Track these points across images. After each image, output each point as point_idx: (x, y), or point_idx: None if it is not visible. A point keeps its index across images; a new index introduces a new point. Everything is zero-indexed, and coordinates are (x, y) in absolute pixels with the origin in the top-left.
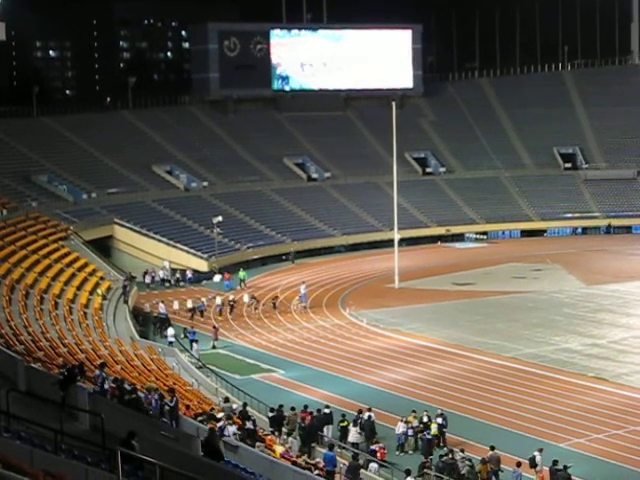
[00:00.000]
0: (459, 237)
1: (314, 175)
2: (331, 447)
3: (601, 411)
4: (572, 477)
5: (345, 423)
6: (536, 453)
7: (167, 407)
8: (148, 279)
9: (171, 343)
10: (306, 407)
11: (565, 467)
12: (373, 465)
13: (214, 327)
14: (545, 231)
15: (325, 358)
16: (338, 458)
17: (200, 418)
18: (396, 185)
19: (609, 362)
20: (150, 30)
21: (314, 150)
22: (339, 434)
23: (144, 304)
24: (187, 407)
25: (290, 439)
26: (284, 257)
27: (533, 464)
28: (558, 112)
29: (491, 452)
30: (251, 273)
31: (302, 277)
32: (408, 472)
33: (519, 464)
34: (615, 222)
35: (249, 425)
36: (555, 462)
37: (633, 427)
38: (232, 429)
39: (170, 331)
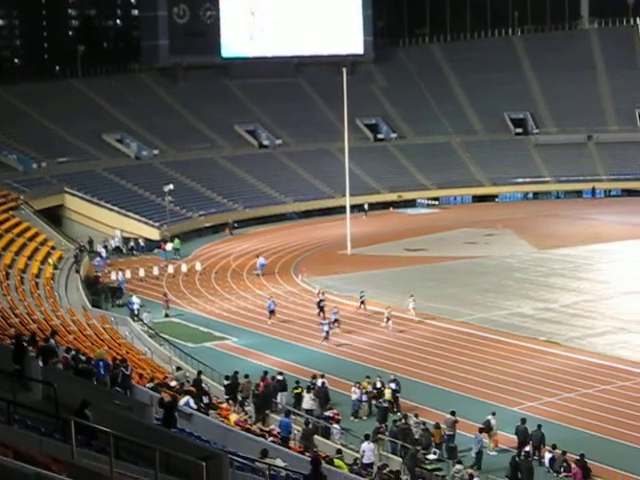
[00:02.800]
0: (411, 203)
1: (265, 142)
2: (287, 414)
3: (554, 375)
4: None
5: (299, 390)
6: (490, 417)
7: (121, 375)
8: (100, 248)
9: (137, 310)
10: (265, 373)
11: (539, 426)
12: (335, 427)
13: (164, 295)
14: (496, 196)
15: (278, 325)
16: (293, 425)
17: (151, 384)
18: (347, 151)
19: (561, 326)
20: None
21: (265, 117)
22: (293, 401)
23: (96, 273)
24: (140, 376)
25: (248, 407)
26: (235, 225)
27: (489, 428)
28: (508, 77)
29: (448, 416)
30: (203, 241)
31: (254, 244)
32: (367, 437)
33: (481, 430)
34: (566, 187)
35: (206, 400)
36: (523, 420)
37: (585, 390)
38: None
39: (135, 299)
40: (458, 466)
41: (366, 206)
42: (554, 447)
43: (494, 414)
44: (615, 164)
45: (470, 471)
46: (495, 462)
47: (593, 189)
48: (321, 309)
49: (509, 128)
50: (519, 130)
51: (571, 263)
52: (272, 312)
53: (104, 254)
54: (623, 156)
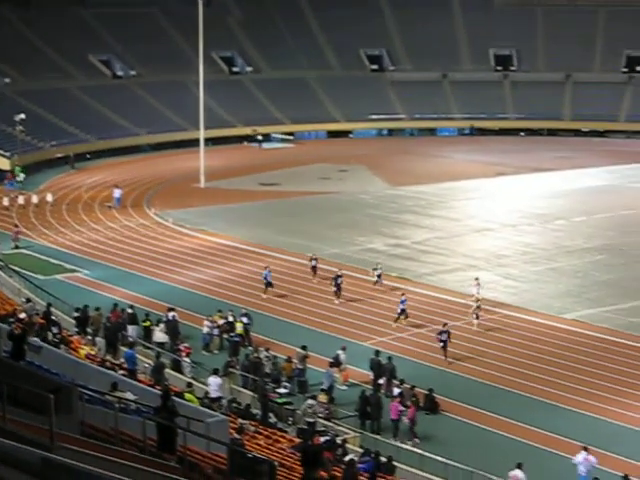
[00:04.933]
0: (265, 137)
1: (119, 73)
2: (131, 345)
3: (410, 312)
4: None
5: (148, 323)
6: (340, 352)
7: None
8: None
9: None
10: (115, 306)
11: (389, 358)
12: (186, 361)
13: (15, 226)
14: (351, 132)
15: (130, 258)
16: (143, 358)
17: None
18: (202, 84)
19: (412, 262)
20: None
21: (120, 47)
22: (144, 334)
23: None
24: None
25: (98, 339)
26: (88, 156)
27: (337, 362)
28: (365, 14)
29: (299, 350)
30: (54, 172)
31: (106, 176)
32: (215, 371)
33: (332, 364)
34: (420, 124)
35: (55, 330)
36: (377, 352)
37: (435, 326)
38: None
39: None
40: (310, 401)
41: (260, 137)
42: (402, 382)
43: (344, 349)
44: (468, 103)
45: (324, 401)
46: (345, 396)
47: (472, 127)
48: (338, 287)
49: (364, 65)
50: (374, 67)
51: (424, 200)
52: (269, 284)
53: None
54: (476, 95)
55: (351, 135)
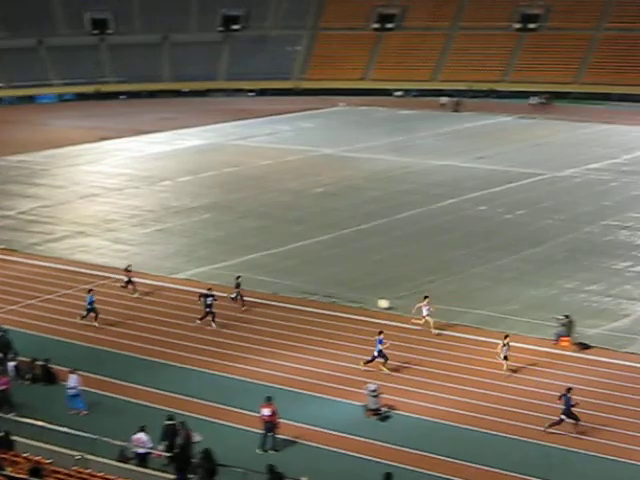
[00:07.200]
0: None
1: None
2: None
3: (14, 282)
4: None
5: None
6: None
7: None
8: None
9: None
10: None
11: (4, 331)
12: None
13: None
14: None
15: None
16: None
17: None
18: None
19: (18, 233)
20: None
21: None
22: None
23: None
24: None
25: None
26: None
27: None
28: None
29: None
30: None
31: None
32: None
33: None
34: (18, 92)
35: None
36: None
37: (47, 296)
38: None
39: None
40: None
41: None
42: (16, 355)
43: None
44: (67, 68)
45: None
46: None
47: (99, 91)
48: (209, 309)
49: None
50: None
51: (27, 169)
52: (91, 311)
53: None
54: (74, 60)
55: None
